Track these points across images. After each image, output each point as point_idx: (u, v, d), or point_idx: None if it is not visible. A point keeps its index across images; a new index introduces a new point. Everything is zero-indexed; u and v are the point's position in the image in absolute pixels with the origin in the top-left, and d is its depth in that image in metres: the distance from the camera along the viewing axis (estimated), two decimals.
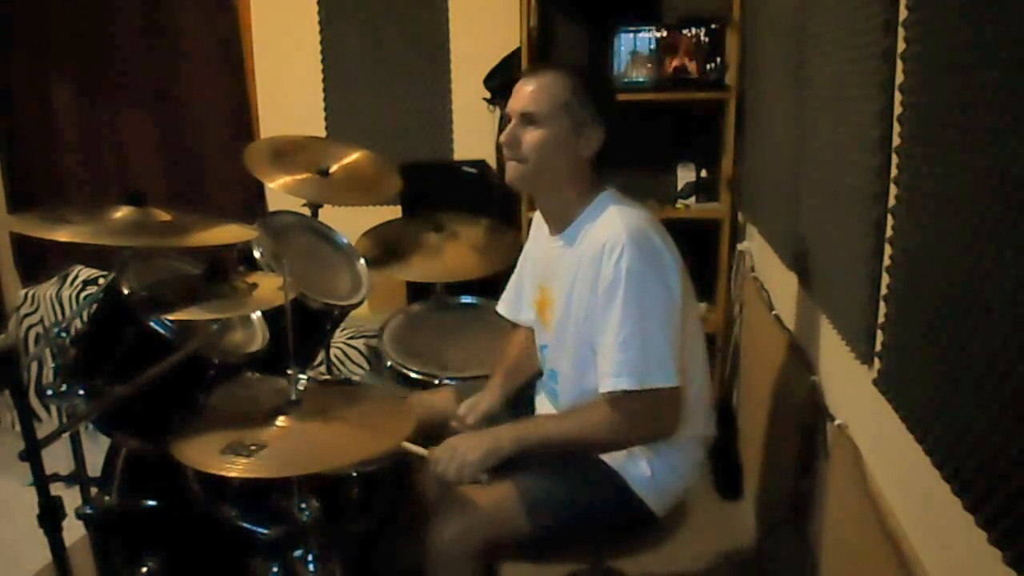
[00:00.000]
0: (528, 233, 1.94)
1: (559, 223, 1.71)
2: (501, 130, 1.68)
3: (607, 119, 1.63)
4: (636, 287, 1.52)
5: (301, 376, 1.49)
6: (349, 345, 2.95)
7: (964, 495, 0.93)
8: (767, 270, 2.41)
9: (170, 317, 1.56)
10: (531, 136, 1.62)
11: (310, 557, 1.53)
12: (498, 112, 3.37)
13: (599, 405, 1.58)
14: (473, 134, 3.52)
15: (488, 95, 3.36)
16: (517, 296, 1.97)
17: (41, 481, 1.26)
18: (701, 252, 3.09)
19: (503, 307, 2.01)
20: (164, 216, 1.62)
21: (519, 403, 1.89)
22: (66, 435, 1.56)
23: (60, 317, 3.05)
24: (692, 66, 2.89)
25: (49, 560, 1.29)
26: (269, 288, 1.63)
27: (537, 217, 1.83)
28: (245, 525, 1.63)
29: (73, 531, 1.39)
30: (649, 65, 2.90)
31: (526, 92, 1.63)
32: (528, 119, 1.62)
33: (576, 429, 1.61)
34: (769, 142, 2.31)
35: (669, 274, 1.56)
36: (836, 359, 1.56)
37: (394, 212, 3.16)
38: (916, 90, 1.11)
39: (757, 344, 2.48)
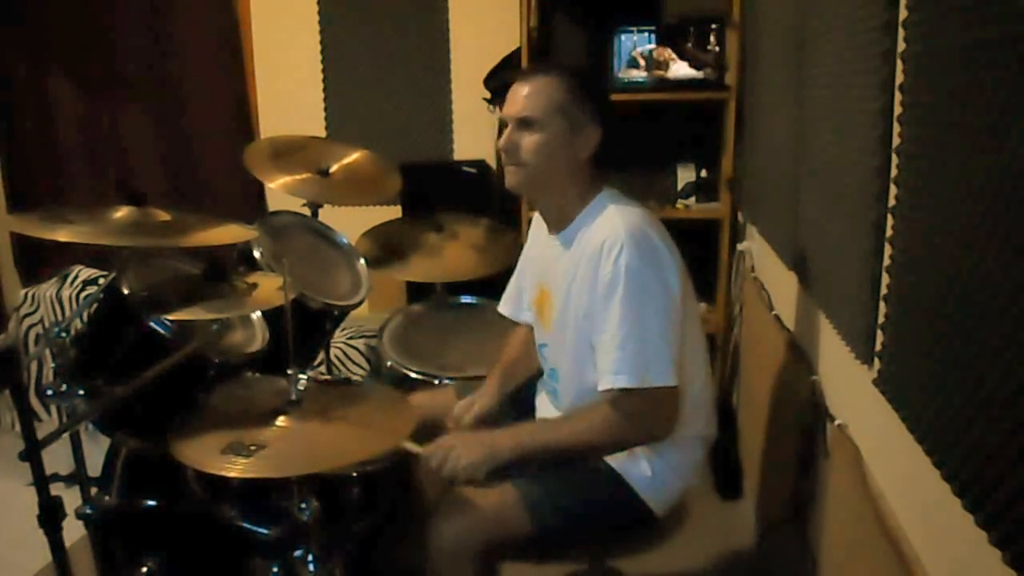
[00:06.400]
0: (528, 232, 1.95)
1: (558, 223, 1.71)
2: (501, 133, 1.68)
3: (603, 118, 1.63)
4: (635, 285, 1.52)
5: (301, 376, 1.49)
6: (349, 345, 2.94)
7: (964, 495, 0.93)
8: (767, 270, 2.41)
9: (170, 317, 1.56)
10: (530, 141, 1.61)
11: (310, 557, 1.53)
12: (498, 112, 3.37)
13: (596, 407, 1.57)
14: (473, 134, 3.52)
15: (488, 95, 3.35)
16: (518, 296, 1.97)
17: (41, 481, 1.26)
18: (701, 252, 3.09)
19: (504, 307, 2.00)
20: (164, 216, 1.62)
21: (520, 404, 1.89)
22: (66, 435, 1.56)
23: (60, 317, 3.04)
24: (692, 66, 2.89)
25: (49, 560, 1.29)
26: (269, 288, 1.63)
27: (537, 217, 1.83)
28: (245, 525, 1.63)
29: (73, 531, 1.38)
30: (649, 65, 2.90)
31: (521, 96, 1.62)
32: (525, 124, 1.61)
33: (574, 435, 1.60)
34: (769, 142, 2.30)
35: (668, 272, 1.56)
36: (836, 359, 1.56)
37: (394, 212, 3.17)
38: (916, 90, 1.11)
39: (757, 344, 2.48)
